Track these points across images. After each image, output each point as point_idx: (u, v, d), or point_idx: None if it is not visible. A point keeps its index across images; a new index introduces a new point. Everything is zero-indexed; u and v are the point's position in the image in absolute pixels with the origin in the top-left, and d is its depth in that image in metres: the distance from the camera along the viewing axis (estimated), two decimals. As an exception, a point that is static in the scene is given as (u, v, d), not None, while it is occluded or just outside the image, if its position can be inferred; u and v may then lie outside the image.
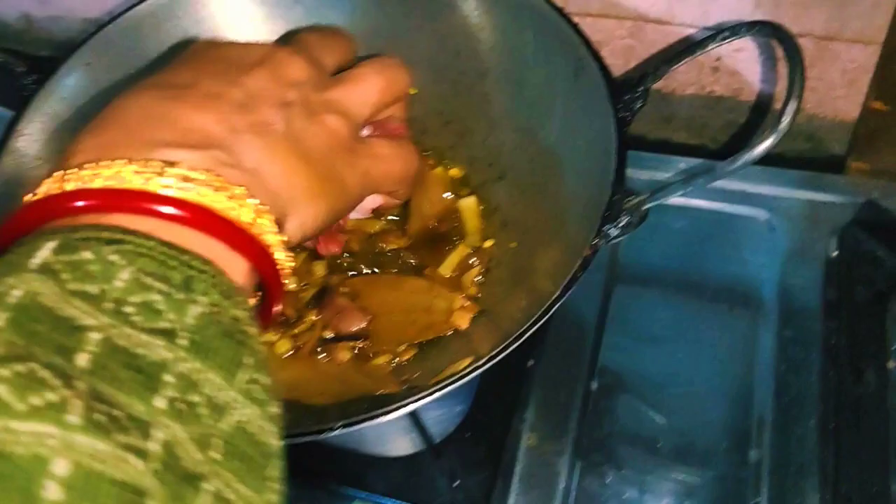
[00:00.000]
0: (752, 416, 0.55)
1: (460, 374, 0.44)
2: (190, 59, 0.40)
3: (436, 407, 0.56)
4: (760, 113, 0.76)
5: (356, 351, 0.56)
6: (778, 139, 0.43)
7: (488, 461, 0.56)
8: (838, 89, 0.72)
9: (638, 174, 0.68)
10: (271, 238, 0.34)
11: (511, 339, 0.43)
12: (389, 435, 0.57)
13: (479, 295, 0.58)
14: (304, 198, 0.37)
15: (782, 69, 0.73)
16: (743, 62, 0.73)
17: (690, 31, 0.72)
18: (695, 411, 0.57)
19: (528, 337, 0.51)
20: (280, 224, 0.35)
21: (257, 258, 0.33)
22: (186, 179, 0.31)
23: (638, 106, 0.51)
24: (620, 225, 0.46)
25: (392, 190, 0.48)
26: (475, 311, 0.57)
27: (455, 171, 0.66)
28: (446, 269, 0.60)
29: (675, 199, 0.66)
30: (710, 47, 0.52)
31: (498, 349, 0.43)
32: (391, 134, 0.48)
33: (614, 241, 0.46)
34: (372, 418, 0.42)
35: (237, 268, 0.32)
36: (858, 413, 0.53)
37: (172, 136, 0.33)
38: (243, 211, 0.32)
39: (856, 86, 0.70)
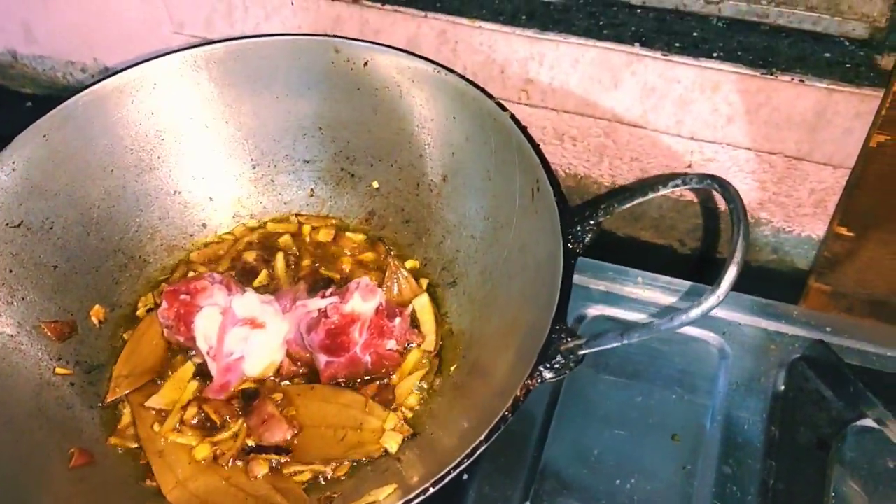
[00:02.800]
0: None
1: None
2: None
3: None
4: (727, 221, 0.75)
5: (275, 465, 0.55)
6: (717, 302, 0.43)
7: None
8: (806, 207, 0.71)
9: (595, 284, 0.67)
10: None
11: (426, 484, 0.43)
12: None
13: (415, 410, 0.57)
14: None
15: (755, 187, 0.73)
16: (714, 170, 0.73)
17: (663, 136, 0.71)
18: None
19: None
20: None
21: None
22: None
23: (588, 239, 0.50)
24: (555, 366, 0.46)
25: None
26: (407, 434, 0.55)
27: (412, 263, 0.65)
28: (401, 375, 0.59)
29: (627, 315, 0.67)
30: (661, 191, 0.51)
31: (412, 496, 0.42)
32: None
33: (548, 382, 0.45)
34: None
35: None
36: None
37: None
38: None
39: (823, 206, 0.70)
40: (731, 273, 0.42)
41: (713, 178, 0.49)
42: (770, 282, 0.74)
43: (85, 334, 0.61)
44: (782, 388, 0.60)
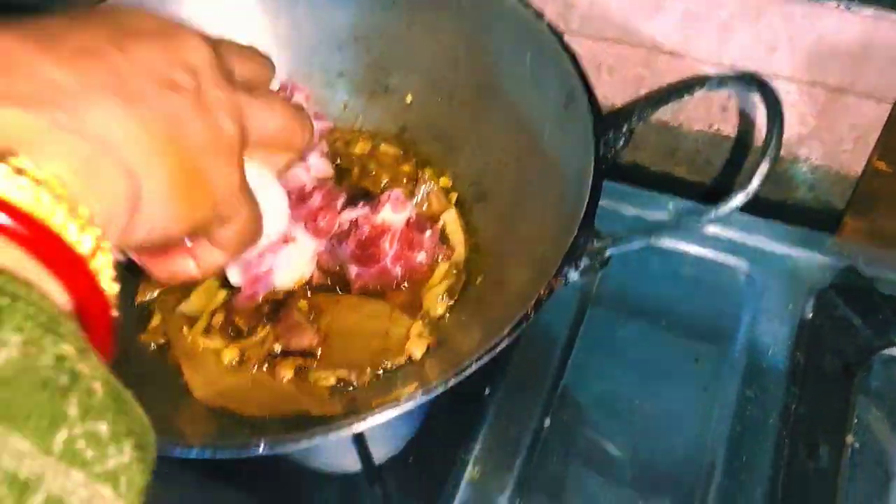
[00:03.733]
0: (700, 477, 0.54)
1: (402, 401, 0.43)
2: (79, 16, 0.33)
3: (379, 427, 0.56)
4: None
5: (300, 370, 0.55)
6: (746, 199, 0.42)
7: (427, 491, 0.55)
8: (845, 143, 0.70)
9: (627, 210, 0.67)
10: (102, 260, 0.28)
11: (451, 374, 0.43)
12: (330, 451, 0.57)
13: (441, 320, 0.58)
14: (164, 191, 0.32)
15: (795, 121, 0.72)
16: (753, 105, 0.71)
17: (703, 67, 0.70)
18: (645, 461, 0.56)
19: (486, 365, 0.50)
20: (115, 218, 0.30)
21: (81, 288, 0.27)
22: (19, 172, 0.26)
23: (620, 145, 0.50)
24: (580, 268, 0.45)
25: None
26: (431, 342, 0.56)
27: (444, 180, 0.65)
28: (428, 286, 0.59)
29: (659, 240, 0.66)
30: (696, 92, 0.50)
31: (434, 385, 0.43)
32: None
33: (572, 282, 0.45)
34: (298, 440, 0.41)
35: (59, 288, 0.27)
36: (808, 489, 0.52)
37: (11, 87, 0.27)
38: (69, 222, 0.27)
39: (863, 142, 0.69)
40: (763, 168, 0.41)
41: (752, 77, 0.48)
42: (805, 221, 0.73)
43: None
44: (810, 315, 0.60)
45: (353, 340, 0.56)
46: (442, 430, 0.57)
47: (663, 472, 0.55)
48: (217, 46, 0.37)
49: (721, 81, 0.49)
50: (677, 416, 0.57)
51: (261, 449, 0.42)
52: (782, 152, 0.73)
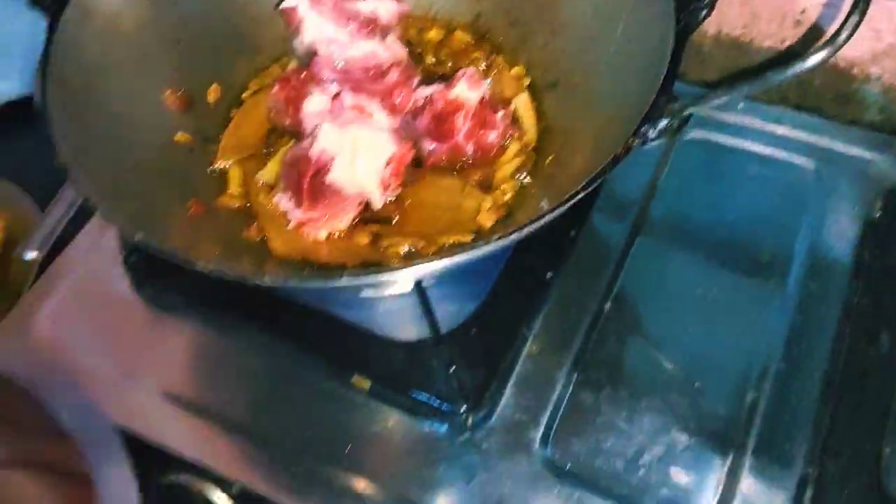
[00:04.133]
0: (757, 361, 0.55)
1: (465, 247, 0.45)
2: None
3: (443, 290, 0.57)
4: (837, 75, 0.73)
5: (375, 235, 0.57)
6: (833, 53, 0.41)
7: (489, 359, 0.57)
8: (921, 62, 0.69)
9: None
10: None
11: (529, 222, 0.44)
12: (397, 314, 0.59)
13: (511, 196, 0.59)
14: None
15: (869, 36, 0.70)
16: (826, 18, 0.70)
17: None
18: (700, 346, 0.57)
19: (550, 248, 0.51)
20: None
21: None
22: None
23: (702, 16, 0.50)
24: (659, 127, 0.46)
25: None
26: (502, 214, 0.57)
27: (518, 69, 0.66)
28: (503, 164, 0.61)
29: (725, 139, 0.66)
30: None
31: (512, 230, 0.44)
32: None
33: (651, 143, 0.46)
34: (379, 272, 0.43)
35: None
36: (866, 374, 0.53)
37: None
38: None
39: (941, 59, 0.68)
40: (853, 20, 0.41)
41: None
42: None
43: (201, 109, 0.65)
44: (878, 214, 0.60)
45: (426, 212, 0.58)
46: (503, 309, 0.59)
47: (718, 359, 0.56)
48: None
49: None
50: (736, 307, 0.58)
51: (342, 280, 0.43)
52: (854, 70, 0.72)
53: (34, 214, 0.67)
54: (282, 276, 0.44)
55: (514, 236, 0.43)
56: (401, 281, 0.46)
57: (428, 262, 0.43)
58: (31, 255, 0.63)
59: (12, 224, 0.68)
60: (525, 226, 0.44)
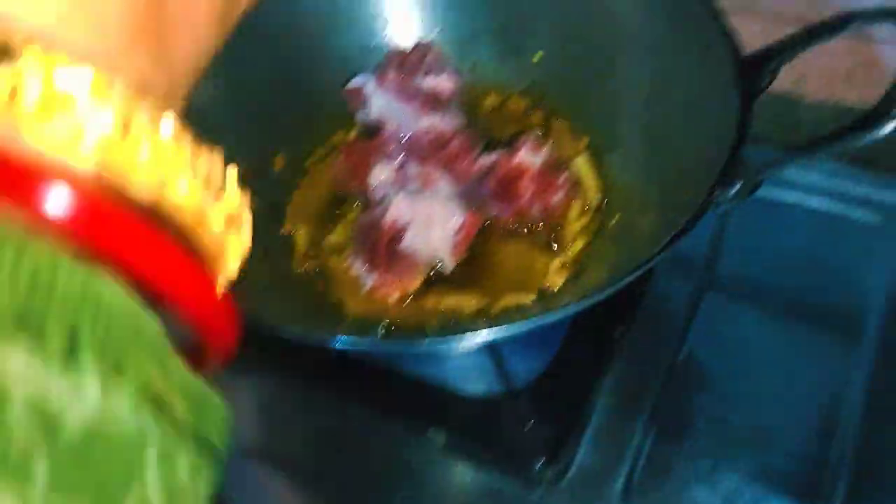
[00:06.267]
0: (836, 416, 0.55)
1: (552, 309, 0.45)
2: None
3: (517, 350, 0.58)
4: None
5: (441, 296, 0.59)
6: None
7: (563, 414, 0.57)
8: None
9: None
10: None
11: (606, 286, 0.45)
12: (471, 371, 0.60)
13: (578, 258, 0.60)
14: None
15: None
16: (880, 70, 0.71)
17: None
18: (776, 402, 0.56)
19: (619, 308, 0.51)
20: None
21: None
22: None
23: (765, 83, 0.51)
24: (734, 190, 0.46)
25: None
26: (570, 272, 0.59)
27: (576, 132, 0.68)
28: (568, 224, 0.62)
29: (784, 195, 0.67)
30: (847, 30, 0.50)
31: (589, 294, 0.44)
32: None
33: (722, 210, 0.46)
34: (461, 334, 0.44)
35: None
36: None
37: None
38: None
39: None
40: None
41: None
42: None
43: (269, 177, 0.67)
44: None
45: (494, 272, 0.60)
46: (576, 362, 0.59)
47: (798, 414, 0.56)
48: None
49: (865, 18, 0.49)
50: (812, 362, 0.58)
51: (425, 344, 0.44)
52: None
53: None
54: (369, 341, 0.45)
55: (596, 297, 0.44)
56: (480, 340, 0.47)
57: (513, 323, 0.44)
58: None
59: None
60: (605, 287, 0.44)
